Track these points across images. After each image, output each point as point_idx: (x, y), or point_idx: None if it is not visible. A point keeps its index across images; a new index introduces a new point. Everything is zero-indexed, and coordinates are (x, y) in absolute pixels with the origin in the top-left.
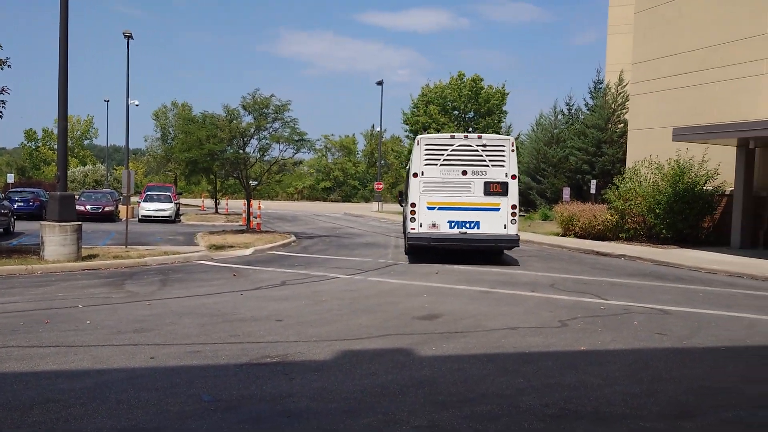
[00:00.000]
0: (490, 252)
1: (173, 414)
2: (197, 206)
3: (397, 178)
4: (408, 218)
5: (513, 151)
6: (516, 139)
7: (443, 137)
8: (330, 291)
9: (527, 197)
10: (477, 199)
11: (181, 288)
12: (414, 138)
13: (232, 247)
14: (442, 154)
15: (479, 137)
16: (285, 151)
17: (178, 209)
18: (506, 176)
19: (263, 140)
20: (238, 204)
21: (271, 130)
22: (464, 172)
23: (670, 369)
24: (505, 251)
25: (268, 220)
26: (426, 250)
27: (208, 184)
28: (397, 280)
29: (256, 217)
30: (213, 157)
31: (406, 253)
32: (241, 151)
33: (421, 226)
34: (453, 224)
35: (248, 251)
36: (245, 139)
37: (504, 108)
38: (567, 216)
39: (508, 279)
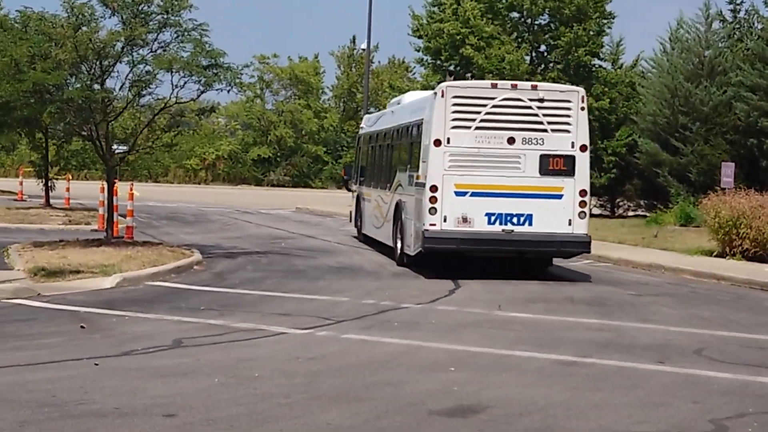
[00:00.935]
0: (541, 261)
1: None
2: (11, 192)
3: None
4: (423, 208)
5: (583, 109)
6: (632, 68)
7: (481, 86)
8: (268, 360)
9: (652, 181)
10: (529, 181)
11: None
12: (433, 64)
13: (77, 272)
14: (479, 112)
15: (534, 88)
16: (183, 87)
17: None
18: (573, 147)
19: (140, 65)
20: (90, 189)
21: (155, 45)
22: (511, 140)
23: None
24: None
25: (150, 220)
26: (439, 259)
27: (33, 150)
28: (400, 339)
29: (125, 216)
30: (42, 97)
31: (400, 264)
32: (97, 87)
33: (445, 220)
34: (493, 218)
35: (109, 281)
36: (105, 63)
37: (608, 7)
38: (728, 219)
39: (613, 338)
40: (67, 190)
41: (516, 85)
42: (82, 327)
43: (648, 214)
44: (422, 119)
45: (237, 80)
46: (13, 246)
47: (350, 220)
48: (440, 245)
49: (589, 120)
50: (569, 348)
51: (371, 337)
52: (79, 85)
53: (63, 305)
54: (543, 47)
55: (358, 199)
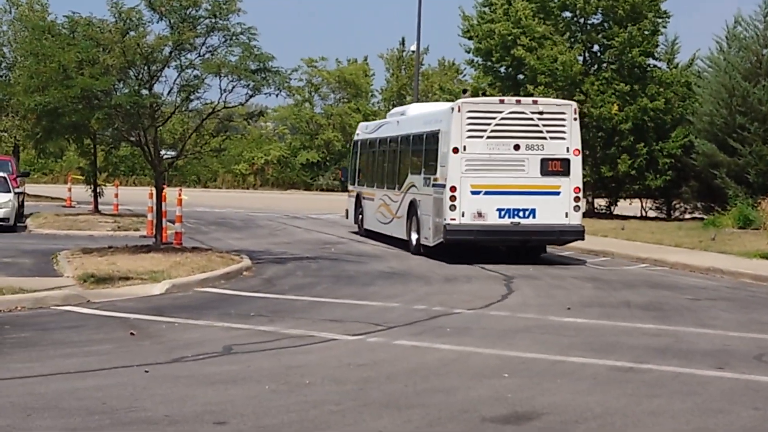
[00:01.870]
0: (540, 248)
1: None
2: (60, 199)
3: None
4: (444, 205)
5: (576, 119)
6: (688, 67)
7: (490, 102)
8: (319, 366)
9: (709, 182)
10: (532, 181)
11: (28, 359)
12: (484, 65)
13: (127, 279)
14: (489, 124)
15: (534, 102)
16: (231, 91)
17: (20, 204)
18: (567, 151)
19: (189, 70)
20: (139, 195)
21: (203, 50)
22: (516, 147)
23: None
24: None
25: (199, 226)
26: (453, 249)
27: (81, 156)
28: (451, 345)
29: (174, 222)
30: (90, 102)
31: (416, 253)
32: (145, 92)
33: (463, 215)
34: (503, 213)
35: (159, 287)
36: (153, 68)
37: (663, 6)
38: None
39: (670, 343)
40: (116, 196)
41: (520, 100)
42: (131, 334)
43: (705, 217)
44: (438, 130)
45: (285, 84)
46: (62, 253)
47: (347, 217)
48: (460, 236)
49: (643, 121)
50: (625, 354)
51: (423, 343)
52: (127, 91)
53: (112, 312)
54: (596, 47)
55: (358, 199)
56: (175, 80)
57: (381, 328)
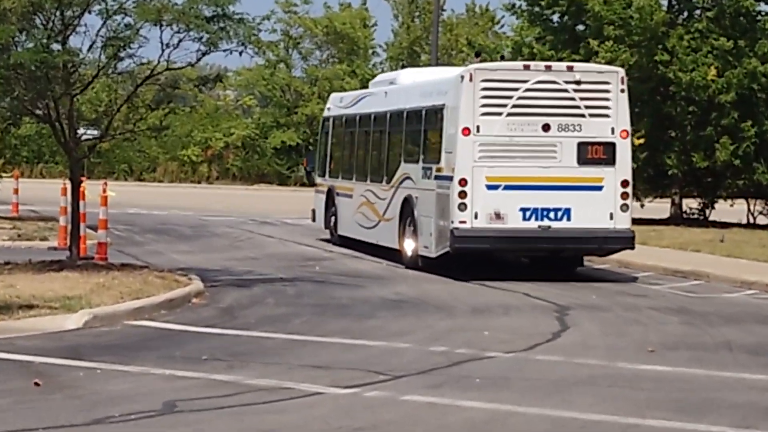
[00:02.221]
0: (576, 260)
1: None
2: None
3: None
4: (451, 204)
5: (623, 91)
6: None
7: (512, 68)
8: (298, 431)
9: None
10: (567, 171)
11: None
12: (530, 11)
13: (30, 308)
14: (511, 97)
15: (569, 69)
16: (176, 47)
17: None
18: (613, 133)
19: (118, 16)
20: (48, 190)
21: None
22: (546, 127)
23: None
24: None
25: (132, 234)
26: (462, 262)
27: None
28: (482, 401)
29: (96, 229)
30: None
31: (411, 267)
32: (56, 47)
33: (476, 217)
34: (529, 213)
35: (74, 320)
36: (69, 14)
37: None
38: None
39: None
40: (15, 192)
41: (550, 66)
42: (36, 384)
43: None
44: (443, 104)
45: (252, 36)
46: None
47: (313, 219)
48: (471, 245)
49: (752, 90)
50: (724, 415)
51: (442, 400)
52: (31, 45)
53: (9, 354)
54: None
55: (330, 195)
56: (99, 31)
57: (384, 378)
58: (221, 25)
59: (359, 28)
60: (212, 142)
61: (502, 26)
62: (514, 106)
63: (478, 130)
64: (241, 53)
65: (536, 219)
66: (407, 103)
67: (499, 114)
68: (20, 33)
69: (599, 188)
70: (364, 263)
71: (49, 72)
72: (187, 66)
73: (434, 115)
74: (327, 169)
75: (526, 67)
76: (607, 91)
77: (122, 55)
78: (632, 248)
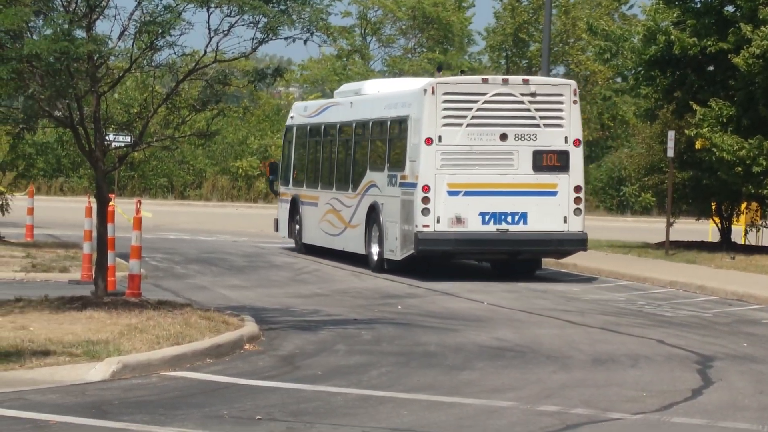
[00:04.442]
0: (534, 263)
1: None
2: None
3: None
4: (415, 209)
5: (576, 102)
6: None
7: (471, 82)
8: None
9: None
10: (523, 178)
11: None
12: None
13: (46, 354)
14: (470, 109)
15: (525, 82)
16: (227, 33)
17: None
18: (566, 142)
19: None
20: (69, 210)
21: None
22: (503, 137)
23: None
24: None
25: (172, 264)
26: (425, 265)
27: None
28: None
29: (128, 258)
30: None
31: (378, 271)
32: (80, 34)
33: (438, 221)
34: (488, 217)
35: (100, 370)
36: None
37: None
38: None
39: None
40: (30, 212)
41: (507, 79)
42: None
43: None
44: (407, 115)
45: (321, 21)
46: None
47: (276, 229)
48: (435, 247)
49: None
50: None
51: None
52: (50, 32)
53: (20, 410)
54: None
55: (295, 204)
56: (132, 14)
57: None
58: (282, 6)
59: (453, 10)
60: (272, 151)
61: (631, 6)
62: (474, 117)
63: (440, 140)
64: (306, 41)
65: (495, 223)
66: (373, 113)
67: (460, 125)
68: (36, 17)
69: (554, 193)
70: (458, 302)
71: (71, 65)
72: (240, 57)
73: (399, 126)
74: (291, 178)
75: (485, 81)
76: (560, 102)
77: (160, 43)
78: (584, 250)
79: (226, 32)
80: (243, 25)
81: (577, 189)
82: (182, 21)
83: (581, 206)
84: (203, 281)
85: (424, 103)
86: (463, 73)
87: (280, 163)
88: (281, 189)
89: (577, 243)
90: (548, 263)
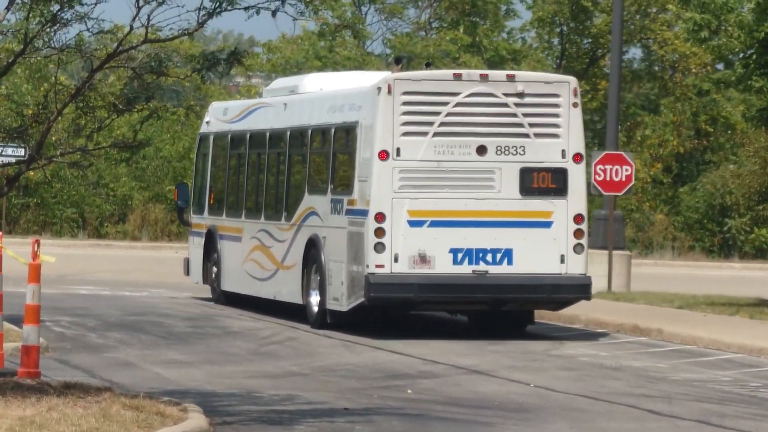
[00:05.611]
0: (524, 315)
1: None
2: None
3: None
4: (366, 244)
5: (576, 105)
6: None
7: (439, 78)
8: None
9: None
10: (507, 204)
11: None
12: None
13: None
14: (438, 114)
15: (510, 78)
16: (159, 2)
17: None
18: (564, 157)
19: None
20: None
21: None
22: (481, 150)
23: None
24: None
25: (85, 331)
26: (381, 318)
27: None
28: None
29: (21, 321)
30: None
31: (319, 326)
32: None
33: (396, 260)
34: (461, 256)
35: None
36: None
37: None
38: None
39: None
40: None
41: (486, 75)
42: None
43: None
44: (356, 121)
45: None
46: None
47: (187, 272)
48: (391, 293)
49: None
50: None
51: None
52: None
53: None
54: None
55: (211, 238)
56: None
57: None
58: None
59: None
60: None
61: None
62: (443, 124)
63: (398, 154)
64: (275, 13)
65: (470, 262)
66: (312, 118)
67: (425, 134)
68: None
69: (548, 224)
70: (493, 383)
71: None
72: (181, 36)
73: (345, 135)
74: (206, 204)
75: (457, 77)
76: (556, 105)
77: (66, 15)
78: (588, 298)
79: (160, 0)
80: None
81: (578, 219)
82: None
83: (583, 241)
84: (129, 355)
85: (378, 106)
86: (428, 66)
87: (192, 185)
88: (193, 219)
89: (578, 289)
90: (623, 327)
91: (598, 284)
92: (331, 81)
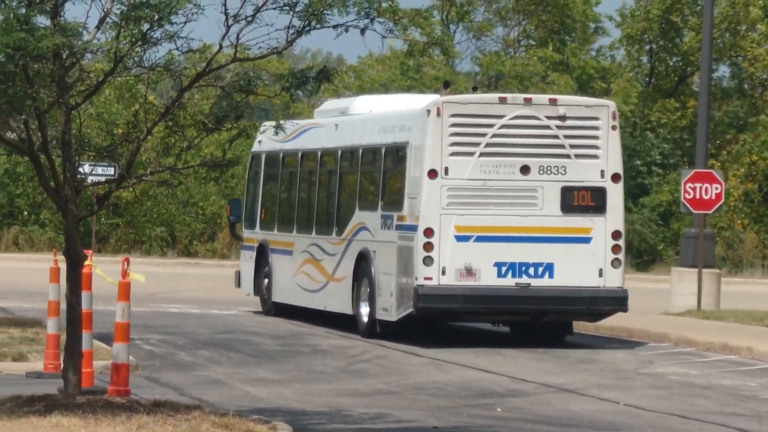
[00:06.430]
0: (564, 326)
1: None
2: None
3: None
4: (415, 258)
5: (614, 128)
6: None
7: (486, 101)
8: None
9: None
10: (549, 221)
11: None
12: None
13: None
14: (485, 135)
15: (552, 102)
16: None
17: None
18: (603, 176)
19: None
20: (26, 272)
21: None
22: (525, 169)
23: None
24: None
25: (175, 350)
26: (429, 326)
27: None
28: None
29: (111, 341)
30: None
31: (368, 336)
32: (43, 21)
33: (444, 272)
34: (505, 269)
35: None
36: None
37: None
38: None
39: None
40: None
41: (530, 99)
42: None
43: None
44: (406, 141)
45: (382, 2)
46: None
47: (238, 284)
48: (439, 304)
49: None
50: None
51: None
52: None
53: None
54: None
55: (263, 252)
56: None
57: None
58: None
59: None
60: None
61: None
62: (489, 144)
63: (446, 173)
64: (363, 31)
65: (513, 276)
66: (363, 138)
67: (471, 154)
68: None
69: (587, 240)
70: (582, 402)
71: (29, 65)
72: (270, 54)
73: (395, 154)
74: (258, 220)
75: (503, 100)
76: (595, 128)
77: (156, 34)
78: (625, 310)
79: (250, 18)
80: (274, 7)
81: (616, 235)
82: (188, 2)
83: (620, 256)
84: (218, 373)
85: (428, 127)
86: (474, 90)
87: (244, 201)
88: (245, 233)
89: (615, 302)
90: (713, 345)
91: (687, 302)
92: (381, 103)
